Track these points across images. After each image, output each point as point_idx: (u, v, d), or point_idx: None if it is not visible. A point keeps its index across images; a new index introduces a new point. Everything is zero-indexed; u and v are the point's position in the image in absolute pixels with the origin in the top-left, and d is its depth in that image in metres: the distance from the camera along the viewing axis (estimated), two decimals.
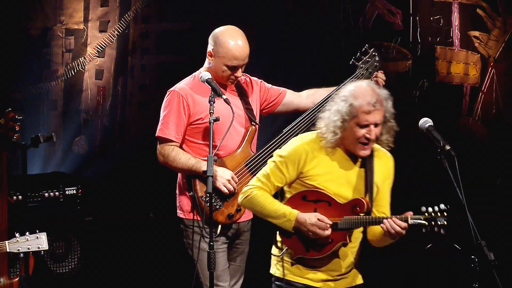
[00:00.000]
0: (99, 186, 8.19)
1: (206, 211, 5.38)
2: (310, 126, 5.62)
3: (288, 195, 4.96)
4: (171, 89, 5.66)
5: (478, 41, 7.39)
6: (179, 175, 5.68)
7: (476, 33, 7.42)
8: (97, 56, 8.76)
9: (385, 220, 4.78)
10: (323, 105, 5.62)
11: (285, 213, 4.84)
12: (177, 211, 5.70)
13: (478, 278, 4.74)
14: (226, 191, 5.50)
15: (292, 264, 4.96)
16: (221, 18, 7.06)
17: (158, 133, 5.62)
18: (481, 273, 4.72)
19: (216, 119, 5.24)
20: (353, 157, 4.95)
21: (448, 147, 4.73)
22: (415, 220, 4.75)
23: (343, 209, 4.86)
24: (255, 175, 5.41)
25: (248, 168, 5.62)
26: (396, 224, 4.75)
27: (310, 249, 4.87)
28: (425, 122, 4.91)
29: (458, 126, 7.41)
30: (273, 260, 5.06)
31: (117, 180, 8.46)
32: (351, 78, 5.68)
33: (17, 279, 5.76)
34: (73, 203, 7.61)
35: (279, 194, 5.05)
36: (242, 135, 5.67)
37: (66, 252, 7.53)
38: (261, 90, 5.86)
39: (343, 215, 4.84)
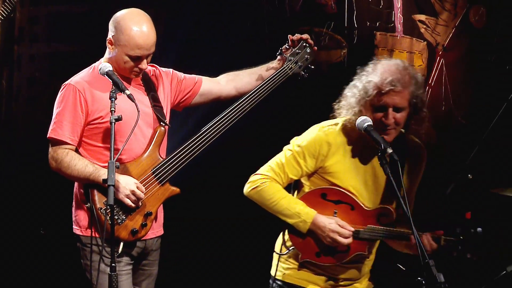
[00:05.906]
0: None
1: (106, 226, 5.04)
2: (236, 122, 5.34)
3: (306, 189, 4.84)
4: (66, 82, 5.30)
5: (424, 26, 7.38)
6: (76, 184, 5.33)
7: (422, 17, 7.40)
8: None
9: (412, 237, 4.57)
10: (252, 98, 5.38)
11: (300, 212, 4.74)
12: (73, 226, 5.34)
13: None
14: (130, 203, 5.13)
15: (298, 267, 4.87)
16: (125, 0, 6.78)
17: (50, 134, 5.25)
18: None
19: (118, 119, 4.92)
20: None
21: (390, 151, 4.48)
22: (448, 242, 4.71)
23: (367, 216, 4.75)
24: (163, 184, 5.29)
25: (155, 176, 5.27)
26: (426, 245, 4.67)
27: (321, 255, 4.77)
28: (363, 121, 4.64)
29: None
30: (275, 260, 4.98)
31: (1, 190, 8.06)
32: (277, 73, 5.42)
33: None
34: None
35: (292, 185, 4.97)
36: (149, 137, 5.32)
37: None
38: (172, 82, 5.57)
39: (366, 223, 4.74)
